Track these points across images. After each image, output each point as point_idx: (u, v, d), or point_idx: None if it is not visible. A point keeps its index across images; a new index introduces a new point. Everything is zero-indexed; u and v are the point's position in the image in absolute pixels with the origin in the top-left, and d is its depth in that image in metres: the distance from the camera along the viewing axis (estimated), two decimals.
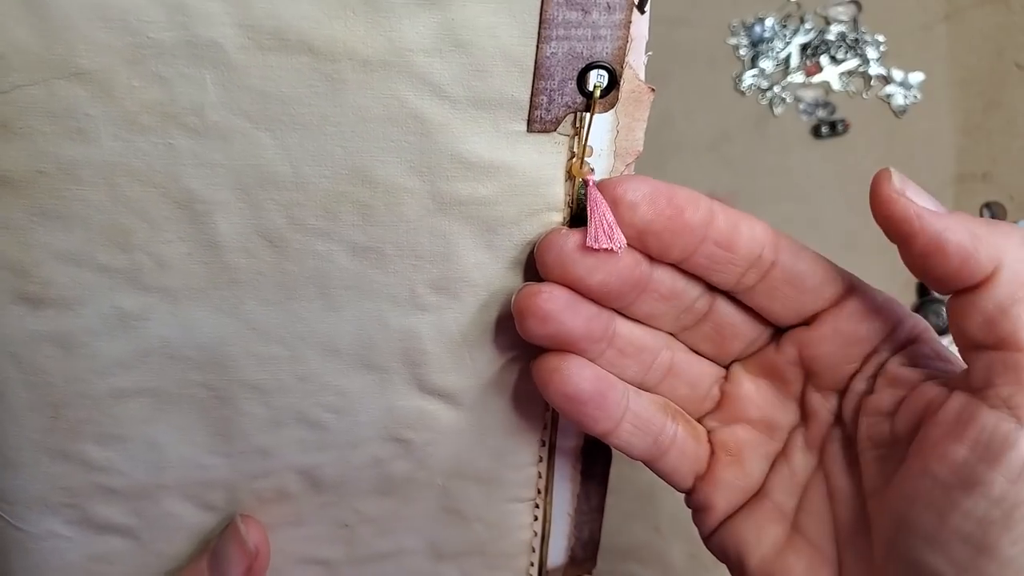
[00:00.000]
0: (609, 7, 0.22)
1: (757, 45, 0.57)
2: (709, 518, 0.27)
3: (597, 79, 0.23)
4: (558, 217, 0.25)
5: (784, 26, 0.57)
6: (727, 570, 0.27)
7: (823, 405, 0.26)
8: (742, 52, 0.57)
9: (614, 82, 0.23)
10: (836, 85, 0.57)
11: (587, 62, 0.23)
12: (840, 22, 0.57)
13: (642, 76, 0.24)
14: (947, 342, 0.57)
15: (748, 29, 0.58)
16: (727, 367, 0.28)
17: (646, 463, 0.27)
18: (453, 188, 0.24)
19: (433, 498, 0.30)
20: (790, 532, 0.26)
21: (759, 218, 0.25)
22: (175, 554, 0.29)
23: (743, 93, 0.57)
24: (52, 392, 0.26)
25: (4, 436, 0.26)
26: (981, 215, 0.58)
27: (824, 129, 0.56)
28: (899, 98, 0.57)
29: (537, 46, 0.22)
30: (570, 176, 0.24)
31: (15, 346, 0.25)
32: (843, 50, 0.57)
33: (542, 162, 0.24)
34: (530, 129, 0.24)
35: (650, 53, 0.24)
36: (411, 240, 0.25)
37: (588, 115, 0.23)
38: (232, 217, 0.24)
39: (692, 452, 0.27)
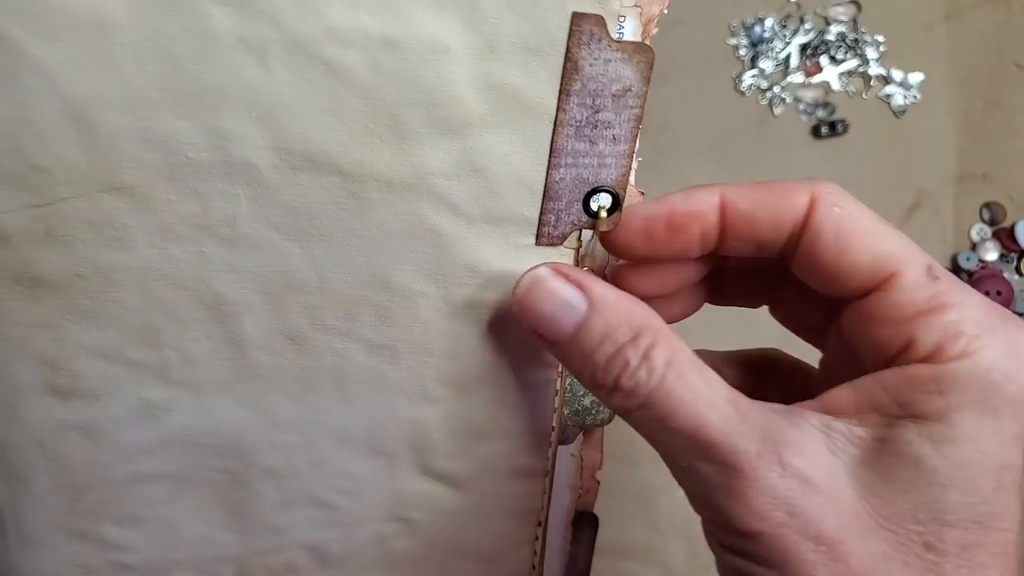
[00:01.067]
0: (615, 139, 0.24)
1: (757, 45, 0.57)
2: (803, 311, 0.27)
3: (602, 202, 0.25)
4: None
5: (784, 26, 0.57)
6: None
7: None
8: (742, 52, 0.57)
9: (617, 204, 0.25)
10: (836, 85, 0.57)
11: (592, 187, 0.25)
12: (840, 22, 0.57)
13: (633, 181, 0.26)
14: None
15: (748, 29, 0.57)
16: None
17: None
18: (465, 294, 0.26)
19: (433, 573, 0.31)
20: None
21: None
22: None
23: (743, 93, 0.57)
24: (75, 477, 0.27)
25: (24, 517, 0.27)
26: (981, 215, 0.58)
27: (824, 129, 0.56)
28: (899, 98, 0.57)
29: (547, 172, 0.24)
30: None
31: (43, 434, 0.26)
32: (843, 50, 0.57)
33: None
34: (538, 243, 0.25)
35: (640, 158, 0.26)
36: (424, 340, 0.26)
37: (592, 233, 0.25)
38: (257, 318, 0.25)
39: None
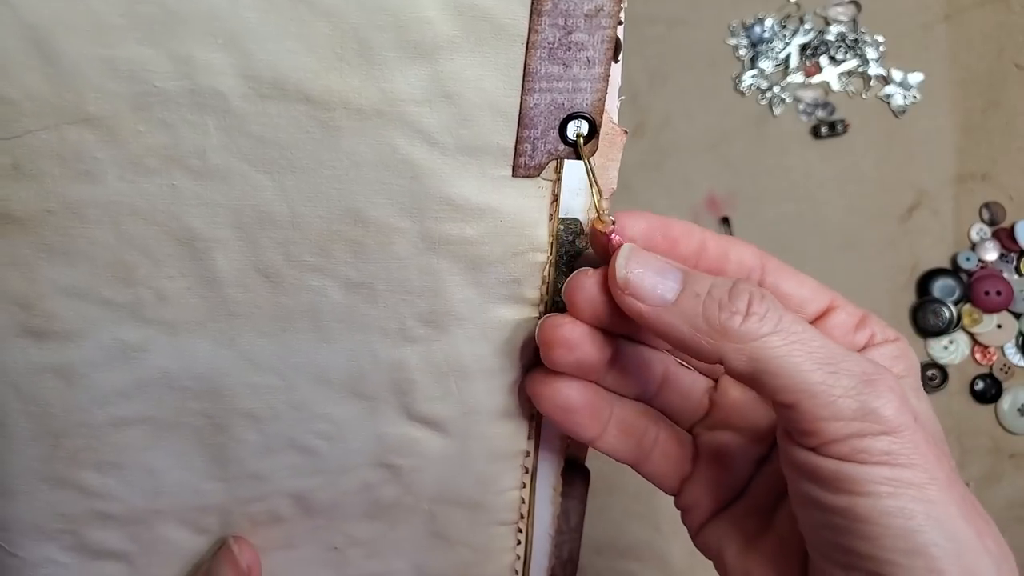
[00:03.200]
0: (589, 61, 0.24)
1: (756, 45, 0.58)
2: (695, 518, 0.29)
3: (578, 128, 0.25)
4: (542, 257, 0.26)
5: (784, 26, 0.58)
6: None
7: None
8: (741, 52, 0.58)
9: (594, 131, 0.25)
10: (835, 85, 0.58)
11: (568, 112, 0.24)
12: (839, 22, 0.58)
13: (615, 119, 0.26)
14: (946, 341, 0.58)
15: (747, 30, 0.58)
16: (716, 380, 0.29)
17: (632, 466, 0.29)
18: (441, 228, 0.25)
19: (420, 522, 0.31)
20: (765, 529, 0.27)
21: (747, 243, 0.27)
22: None
23: (743, 93, 0.57)
24: (52, 422, 0.27)
25: (3, 465, 0.27)
26: (981, 215, 0.58)
27: (823, 129, 0.57)
28: (898, 98, 0.57)
29: (521, 98, 0.24)
30: (552, 218, 0.26)
31: (17, 377, 0.26)
32: (842, 50, 0.57)
33: (526, 205, 0.25)
34: (515, 174, 0.25)
35: (623, 97, 0.26)
36: (401, 276, 0.26)
37: (583, 161, 0.25)
38: (231, 254, 0.25)
39: (675, 455, 0.29)
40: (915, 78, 0.57)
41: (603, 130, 0.25)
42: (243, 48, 0.22)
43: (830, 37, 0.57)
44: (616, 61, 0.25)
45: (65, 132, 0.23)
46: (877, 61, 0.57)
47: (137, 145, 0.23)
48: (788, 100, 0.57)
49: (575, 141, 0.25)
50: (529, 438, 0.30)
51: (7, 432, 0.27)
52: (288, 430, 0.28)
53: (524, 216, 0.26)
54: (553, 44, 0.23)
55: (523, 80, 0.24)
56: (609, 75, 0.24)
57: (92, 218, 0.24)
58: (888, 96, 0.57)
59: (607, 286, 0.25)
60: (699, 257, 0.26)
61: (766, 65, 0.57)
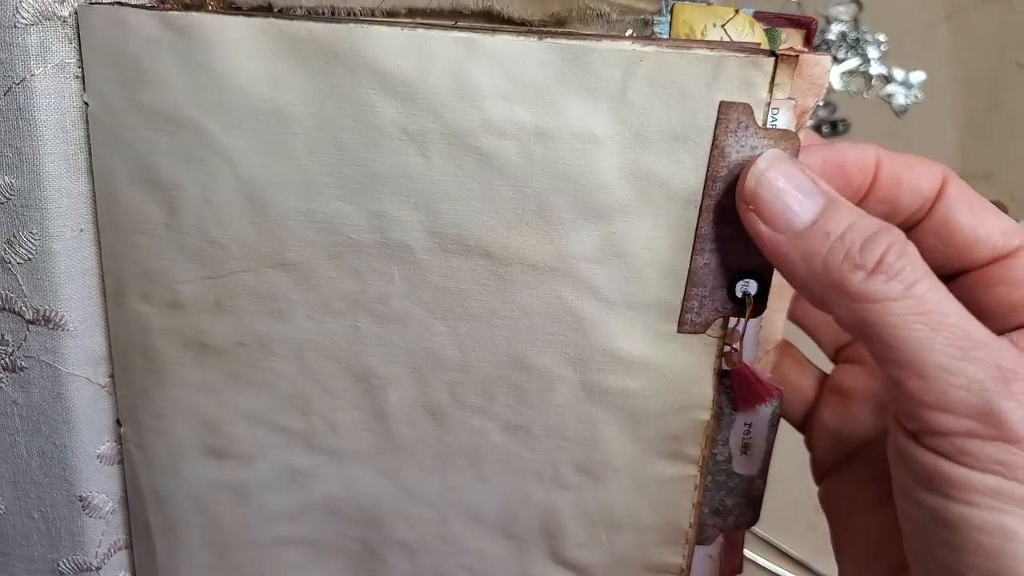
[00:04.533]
0: None
1: None
2: (816, 466, 0.27)
3: (745, 287, 0.25)
4: (705, 415, 0.26)
5: None
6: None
7: None
8: None
9: (764, 289, 0.25)
10: (837, 84, 0.57)
11: (738, 271, 0.24)
12: (841, 21, 0.57)
13: None
14: None
15: None
16: None
17: None
18: (603, 380, 0.26)
19: None
20: (880, 502, 0.24)
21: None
22: None
23: None
24: (222, 535, 0.28)
25: (175, 570, 0.29)
26: None
27: (825, 129, 0.56)
28: (900, 98, 0.56)
29: (691, 257, 0.24)
30: (716, 376, 0.26)
31: (196, 491, 0.28)
32: (844, 49, 0.57)
33: (691, 361, 0.26)
34: (680, 330, 0.25)
35: None
36: (559, 423, 0.26)
37: (743, 320, 0.25)
38: (402, 392, 0.26)
39: (796, 383, 0.27)
40: (917, 77, 0.56)
41: (773, 281, 0.25)
42: (432, 207, 0.24)
43: (831, 36, 0.57)
44: None
45: (263, 275, 0.25)
46: (879, 60, 0.56)
47: (327, 289, 0.25)
48: None
49: (743, 299, 0.25)
50: None
51: (182, 541, 0.28)
52: (438, 562, 0.29)
53: (688, 372, 0.26)
54: (726, 208, 0.24)
55: (694, 241, 0.24)
56: None
57: (278, 352, 0.26)
58: (890, 95, 0.56)
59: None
60: (870, 190, 0.24)
61: None
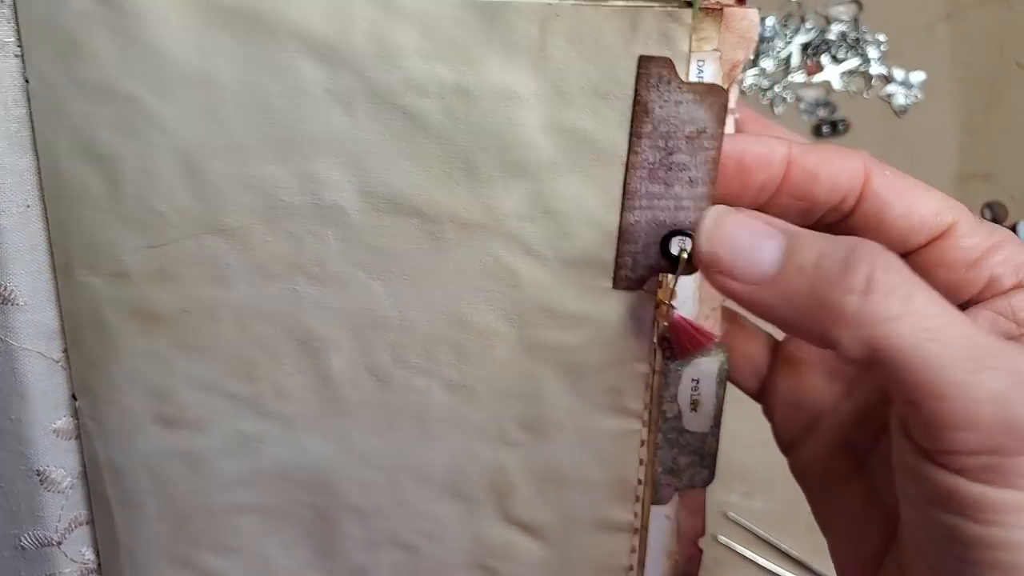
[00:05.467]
0: (691, 181, 0.24)
1: (758, 44, 0.57)
2: (779, 436, 0.27)
3: (682, 244, 0.25)
4: (643, 367, 0.26)
5: (785, 25, 0.57)
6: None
7: None
8: None
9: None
10: (837, 84, 0.57)
11: (670, 229, 0.25)
12: (841, 21, 0.57)
13: None
14: None
15: None
16: None
17: None
18: (542, 335, 0.26)
19: None
20: (853, 473, 0.24)
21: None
22: None
23: (744, 92, 0.57)
24: (178, 504, 0.29)
25: (135, 541, 0.29)
26: (983, 215, 0.56)
27: (825, 129, 0.56)
28: (900, 97, 0.56)
29: (621, 215, 0.25)
30: (656, 328, 0.26)
31: (151, 461, 0.28)
32: (844, 49, 0.57)
33: (628, 316, 0.26)
34: (615, 286, 0.25)
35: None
36: (501, 380, 0.27)
37: (674, 277, 0.25)
38: (344, 354, 0.27)
39: (745, 350, 0.27)
40: (917, 77, 0.56)
41: None
42: (362, 166, 0.24)
43: (831, 36, 0.57)
44: None
45: (203, 241, 0.25)
46: (878, 60, 0.56)
47: (264, 253, 0.25)
48: (789, 99, 0.56)
49: (678, 256, 0.25)
50: (632, 551, 0.30)
51: (140, 510, 0.29)
52: (391, 525, 0.29)
53: (625, 327, 0.26)
54: (653, 165, 0.24)
55: (623, 198, 0.24)
56: (713, 194, 0.24)
57: (222, 318, 0.26)
58: (889, 95, 0.56)
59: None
60: (782, 186, 0.23)
61: (767, 64, 0.57)
